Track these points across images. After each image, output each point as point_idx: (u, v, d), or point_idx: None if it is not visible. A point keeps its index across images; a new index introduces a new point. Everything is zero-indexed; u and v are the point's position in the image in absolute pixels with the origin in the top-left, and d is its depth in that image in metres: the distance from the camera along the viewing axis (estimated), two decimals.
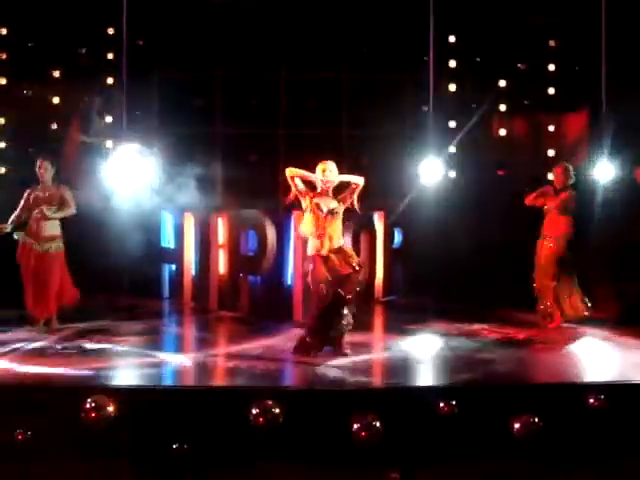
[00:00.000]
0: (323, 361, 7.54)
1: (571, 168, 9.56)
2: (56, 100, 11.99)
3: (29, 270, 9.17)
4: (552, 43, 12.11)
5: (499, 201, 11.65)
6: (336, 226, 7.74)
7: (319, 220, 7.70)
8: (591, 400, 6.53)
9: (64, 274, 9.35)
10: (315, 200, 7.70)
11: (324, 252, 7.69)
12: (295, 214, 9.20)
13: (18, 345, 8.19)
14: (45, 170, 9.26)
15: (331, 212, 7.68)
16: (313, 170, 7.82)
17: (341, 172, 7.87)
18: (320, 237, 7.69)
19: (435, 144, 12.21)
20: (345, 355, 7.80)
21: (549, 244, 9.46)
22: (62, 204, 9.22)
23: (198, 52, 12.05)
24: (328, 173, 7.73)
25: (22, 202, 9.25)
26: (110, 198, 11.60)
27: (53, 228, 9.23)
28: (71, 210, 9.30)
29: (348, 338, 7.99)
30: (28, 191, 9.27)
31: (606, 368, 7.80)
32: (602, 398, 6.54)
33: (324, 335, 7.79)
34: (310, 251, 7.83)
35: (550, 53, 12.16)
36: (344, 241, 7.96)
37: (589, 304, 9.48)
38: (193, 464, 6.20)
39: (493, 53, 12.04)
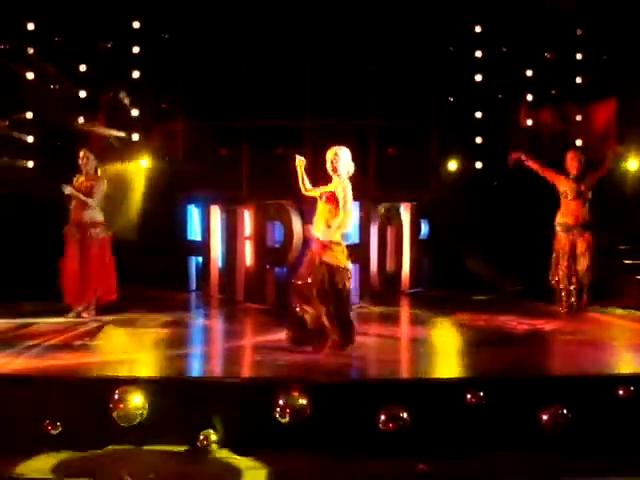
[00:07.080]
0: (350, 353, 7.52)
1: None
2: (82, 94, 12.03)
3: (71, 257, 9.25)
4: (579, 32, 11.99)
5: (525, 192, 11.55)
6: (328, 213, 7.42)
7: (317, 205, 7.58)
8: (621, 391, 6.46)
9: (108, 264, 9.44)
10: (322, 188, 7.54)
11: (320, 237, 7.47)
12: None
13: (45, 337, 8.22)
14: (87, 160, 9.36)
15: (322, 197, 7.45)
16: None
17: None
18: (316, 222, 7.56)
19: (461, 134, 12.17)
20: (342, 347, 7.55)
21: (584, 234, 9.45)
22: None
23: (223, 44, 12.05)
24: (336, 162, 7.40)
25: None
26: (136, 190, 11.71)
27: (93, 214, 9.32)
28: (89, 200, 9.32)
29: (374, 329, 7.91)
30: (75, 178, 9.39)
31: (635, 359, 7.72)
32: (632, 389, 6.47)
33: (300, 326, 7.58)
34: None
35: (578, 42, 12.03)
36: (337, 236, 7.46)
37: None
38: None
39: (520, 42, 11.94)
